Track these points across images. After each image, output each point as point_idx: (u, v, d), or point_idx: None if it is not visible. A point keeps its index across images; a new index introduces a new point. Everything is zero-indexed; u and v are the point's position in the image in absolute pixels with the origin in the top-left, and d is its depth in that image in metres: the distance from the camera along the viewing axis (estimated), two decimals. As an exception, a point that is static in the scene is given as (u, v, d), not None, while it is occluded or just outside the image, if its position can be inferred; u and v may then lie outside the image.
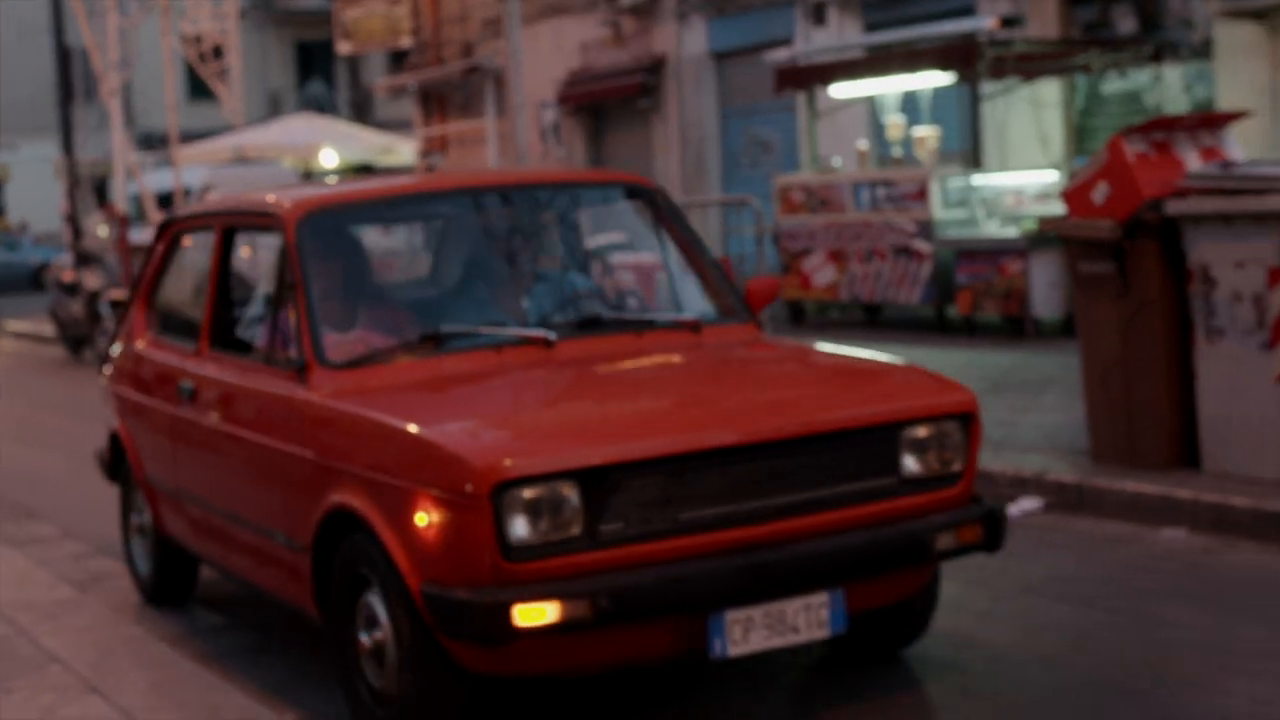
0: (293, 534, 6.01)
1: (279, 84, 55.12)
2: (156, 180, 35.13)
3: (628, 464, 5.11)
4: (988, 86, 17.46)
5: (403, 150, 34.23)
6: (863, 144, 19.40)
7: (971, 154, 17.55)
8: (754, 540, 5.26)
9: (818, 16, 22.54)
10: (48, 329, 22.43)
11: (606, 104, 27.27)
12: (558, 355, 6.08)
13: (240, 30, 31.47)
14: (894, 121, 18.61)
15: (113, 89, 28.10)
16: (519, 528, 5.00)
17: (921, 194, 16.65)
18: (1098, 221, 9.13)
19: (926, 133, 17.63)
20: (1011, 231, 15.99)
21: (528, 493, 4.99)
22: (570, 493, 5.04)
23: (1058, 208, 10.47)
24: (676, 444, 5.20)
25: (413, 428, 5.34)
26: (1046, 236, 12.44)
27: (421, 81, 31.96)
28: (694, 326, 6.48)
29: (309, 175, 34.20)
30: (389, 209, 7.08)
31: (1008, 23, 17.80)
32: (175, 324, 7.72)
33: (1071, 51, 17.28)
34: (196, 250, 7.70)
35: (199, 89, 37.24)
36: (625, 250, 8.02)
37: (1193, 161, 9.11)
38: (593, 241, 7.57)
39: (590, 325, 6.38)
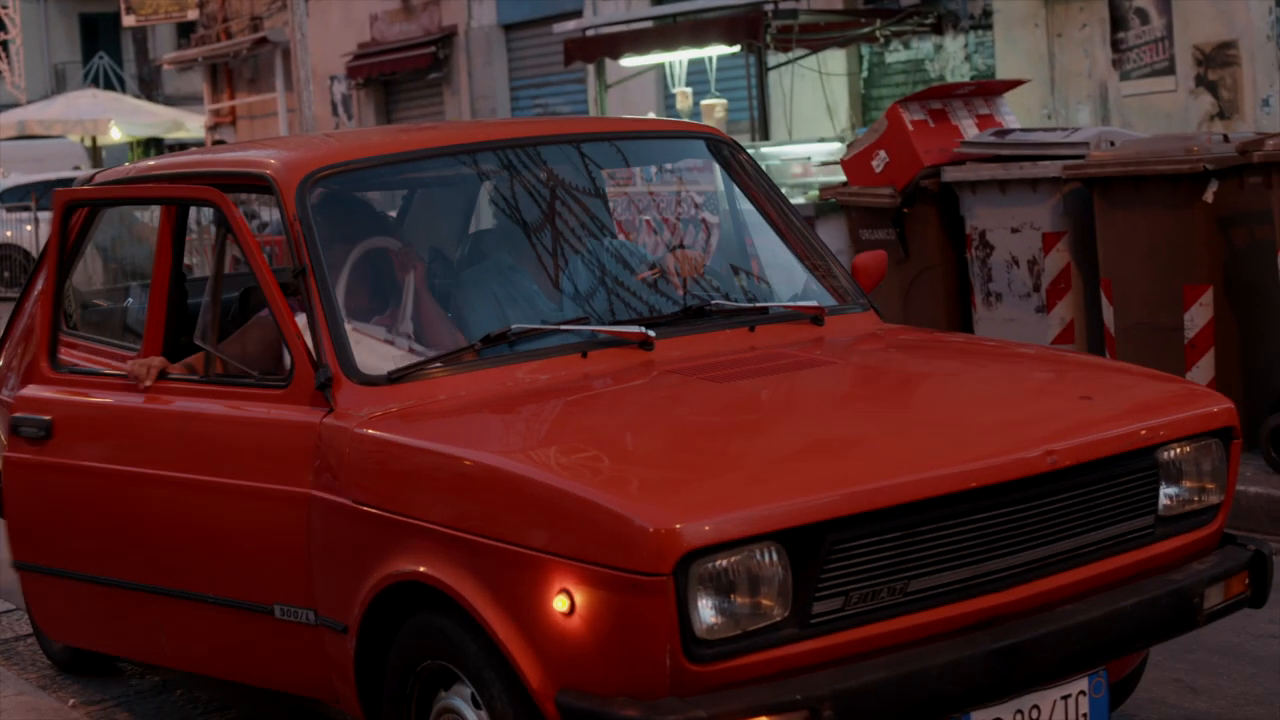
0: (325, 609, 4.46)
1: (63, 58, 53.97)
2: (-63, 158, 34.38)
3: (849, 519, 3.74)
4: (774, 57, 17.60)
5: (191, 125, 33.81)
6: (652, 115, 19.49)
7: (759, 124, 17.68)
8: (999, 611, 3.96)
9: (606, -12, 22.58)
10: None
11: (397, 76, 27.09)
12: (660, 358, 4.70)
13: (20, 3, 30.84)
14: (682, 92, 18.70)
15: (-113, 64, 27.39)
16: (708, 613, 3.62)
17: (707, 166, 16.73)
18: (877, 189, 9.30)
19: (714, 103, 17.75)
20: (798, 200, 16.16)
21: (721, 564, 3.62)
22: (775, 562, 3.67)
23: (843, 176, 10.62)
24: (910, 488, 3.83)
25: (535, 471, 3.94)
26: (830, 204, 12.63)
27: (209, 55, 31.51)
28: (816, 316, 5.13)
29: (96, 151, 33.67)
30: (415, 168, 5.49)
31: (792, -7, 17.94)
32: (96, 324, 6.30)
33: (855, 22, 17.47)
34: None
35: (-21, 64, 36.38)
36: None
37: (969, 129, 9.31)
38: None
39: (691, 317, 4.98)
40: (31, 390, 5.46)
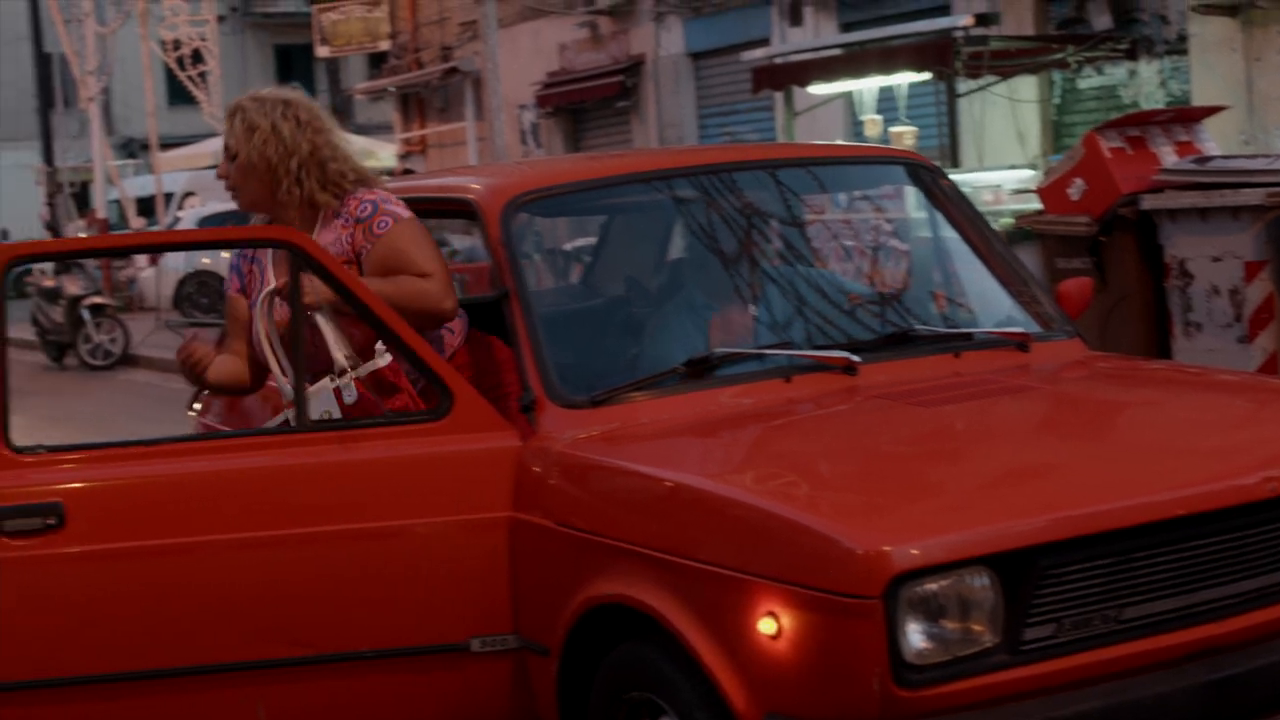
0: (528, 632, 4.42)
1: (259, 88, 54.98)
2: (137, 186, 35.26)
3: (1062, 543, 3.67)
4: (964, 84, 17.48)
5: (382, 154, 34.30)
6: (841, 142, 19.44)
7: (949, 151, 17.57)
8: (1215, 642, 3.82)
9: (794, 16, 22.57)
10: (28, 334, 22.45)
11: (585, 105, 27.29)
12: (864, 383, 4.62)
13: (218, 35, 31.50)
14: (871, 120, 18.64)
15: (92, 95, 28.17)
16: (917, 638, 3.56)
17: (899, 191, 16.65)
18: (1074, 217, 9.21)
19: (904, 130, 17.66)
20: (990, 228, 16.03)
21: (931, 587, 3.57)
22: (986, 587, 3.62)
23: (1035, 204, 10.54)
24: (1125, 514, 3.74)
25: (742, 494, 3.93)
26: (1024, 232, 12.59)
27: (400, 85, 31.97)
28: (1021, 343, 4.99)
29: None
30: (614, 193, 5.47)
31: (983, 20, 17.81)
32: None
33: (1047, 48, 17.32)
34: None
35: (179, 94, 37.19)
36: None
37: (1168, 156, 9.19)
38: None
39: (895, 343, 4.91)
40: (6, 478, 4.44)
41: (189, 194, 31.73)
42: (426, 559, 4.44)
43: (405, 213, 4.83)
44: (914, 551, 3.55)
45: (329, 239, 4.81)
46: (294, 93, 5.04)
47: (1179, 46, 16.74)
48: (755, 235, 5.24)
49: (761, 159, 5.60)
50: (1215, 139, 9.67)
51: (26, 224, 48.05)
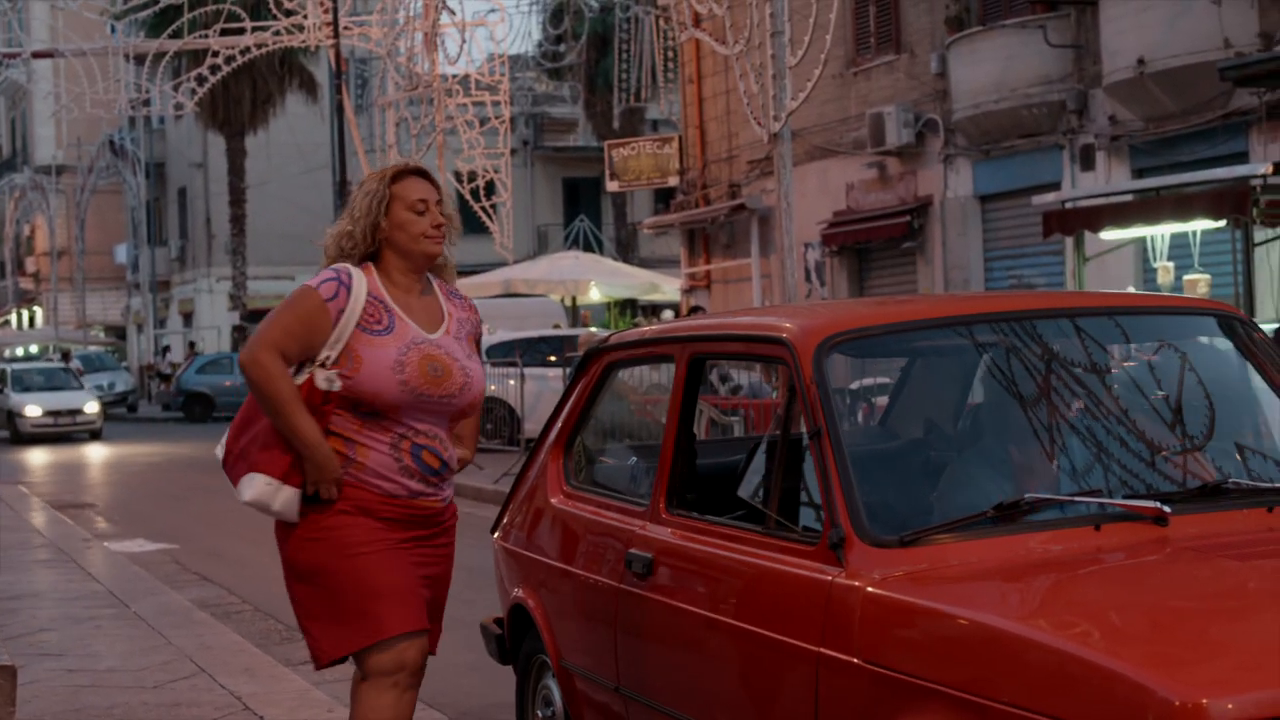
0: None
1: (546, 220, 56.20)
2: (427, 312, 35.94)
3: None
4: (1261, 232, 17.23)
5: (666, 288, 34.76)
6: (1131, 289, 19.26)
7: (1244, 300, 17.29)
8: None
9: (1085, 161, 22.48)
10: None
11: (871, 245, 27.40)
12: (1175, 535, 4.61)
13: (510, 167, 32.22)
14: (1163, 266, 18.45)
15: (387, 223, 28.91)
16: None
17: (1194, 341, 16.40)
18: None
19: (1198, 278, 17.45)
20: (1287, 380, 15.69)
21: None
22: None
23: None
24: None
25: (1052, 638, 3.97)
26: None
27: (686, 221, 32.41)
28: None
29: (575, 309, 34.88)
30: (922, 337, 5.58)
31: (1281, 168, 17.57)
32: (606, 476, 6.53)
33: (1349, 197, 17.00)
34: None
35: (470, 223, 38.23)
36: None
37: None
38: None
39: (1206, 495, 4.88)
40: (648, 529, 5.60)
41: (476, 321, 32.39)
42: (770, 673, 4.76)
43: None
44: (1230, 705, 3.51)
45: (462, 314, 5.99)
46: None
47: None
48: (1063, 383, 5.22)
49: (1073, 307, 5.65)
50: None
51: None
